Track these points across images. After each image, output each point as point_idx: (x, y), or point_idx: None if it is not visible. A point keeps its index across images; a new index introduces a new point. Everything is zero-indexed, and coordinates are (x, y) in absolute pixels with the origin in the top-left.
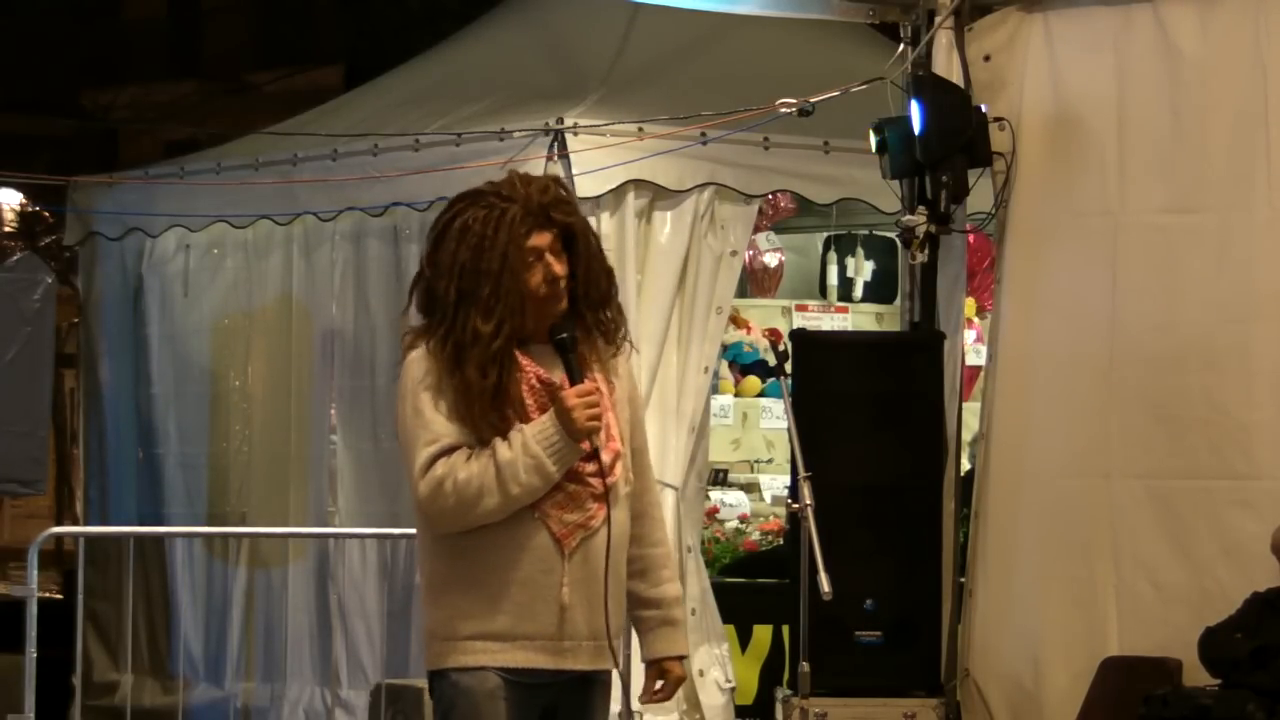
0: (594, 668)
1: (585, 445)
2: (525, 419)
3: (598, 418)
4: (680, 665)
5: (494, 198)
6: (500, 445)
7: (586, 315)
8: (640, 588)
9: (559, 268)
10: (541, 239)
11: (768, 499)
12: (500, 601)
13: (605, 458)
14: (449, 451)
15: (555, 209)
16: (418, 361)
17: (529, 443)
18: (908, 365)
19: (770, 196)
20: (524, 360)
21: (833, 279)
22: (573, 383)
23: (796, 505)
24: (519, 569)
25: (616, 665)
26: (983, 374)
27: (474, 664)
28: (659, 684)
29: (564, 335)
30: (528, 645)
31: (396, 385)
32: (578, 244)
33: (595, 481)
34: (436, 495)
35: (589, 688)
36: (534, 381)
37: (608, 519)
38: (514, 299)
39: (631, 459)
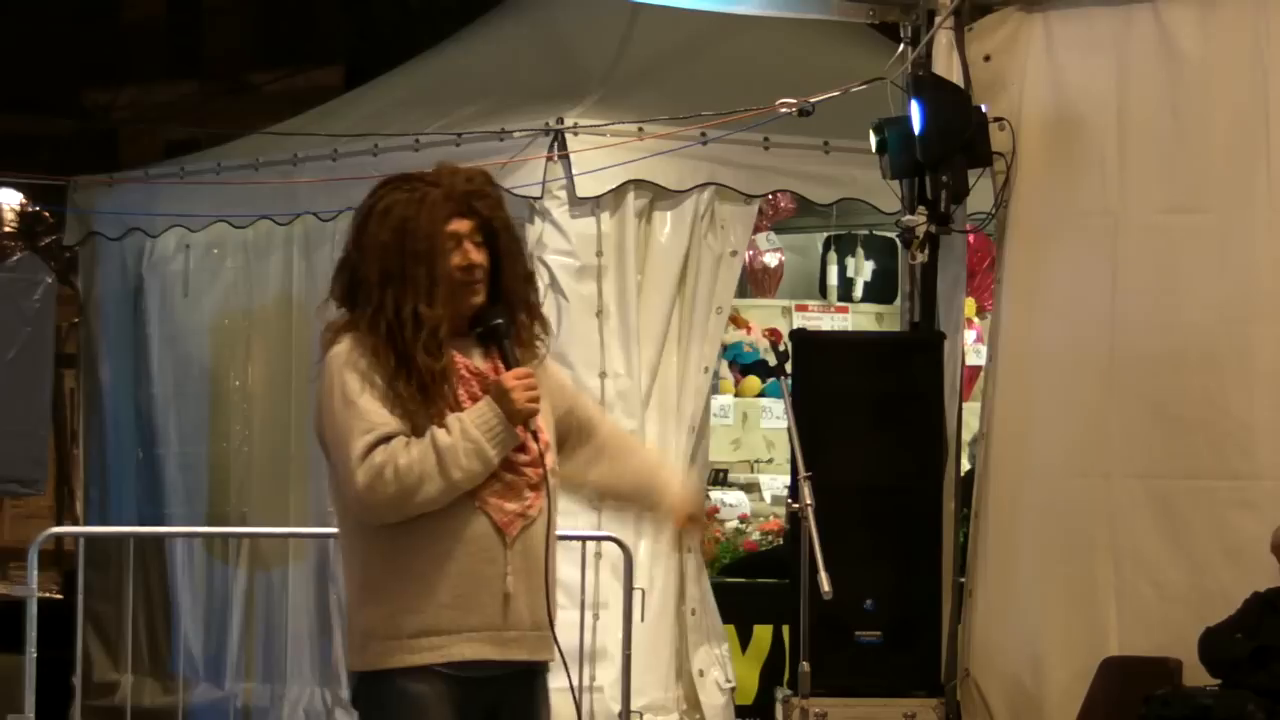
0: (537, 658)
1: (521, 431)
2: (456, 409)
3: (536, 400)
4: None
5: (417, 181)
6: (438, 431)
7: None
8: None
9: (477, 256)
10: (461, 225)
11: (768, 499)
12: (443, 594)
13: (538, 447)
14: (386, 439)
15: (477, 199)
16: (343, 354)
17: (468, 428)
18: (908, 365)
19: (770, 196)
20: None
21: (833, 279)
22: (507, 367)
23: (796, 505)
24: (461, 560)
25: (561, 654)
26: (983, 374)
27: (419, 663)
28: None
29: (498, 321)
30: (473, 637)
31: (318, 384)
32: (499, 240)
33: (530, 471)
34: (376, 483)
35: (531, 680)
36: (462, 372)
37: (547, 508)
38: (448, 283)
39: (575, 414)
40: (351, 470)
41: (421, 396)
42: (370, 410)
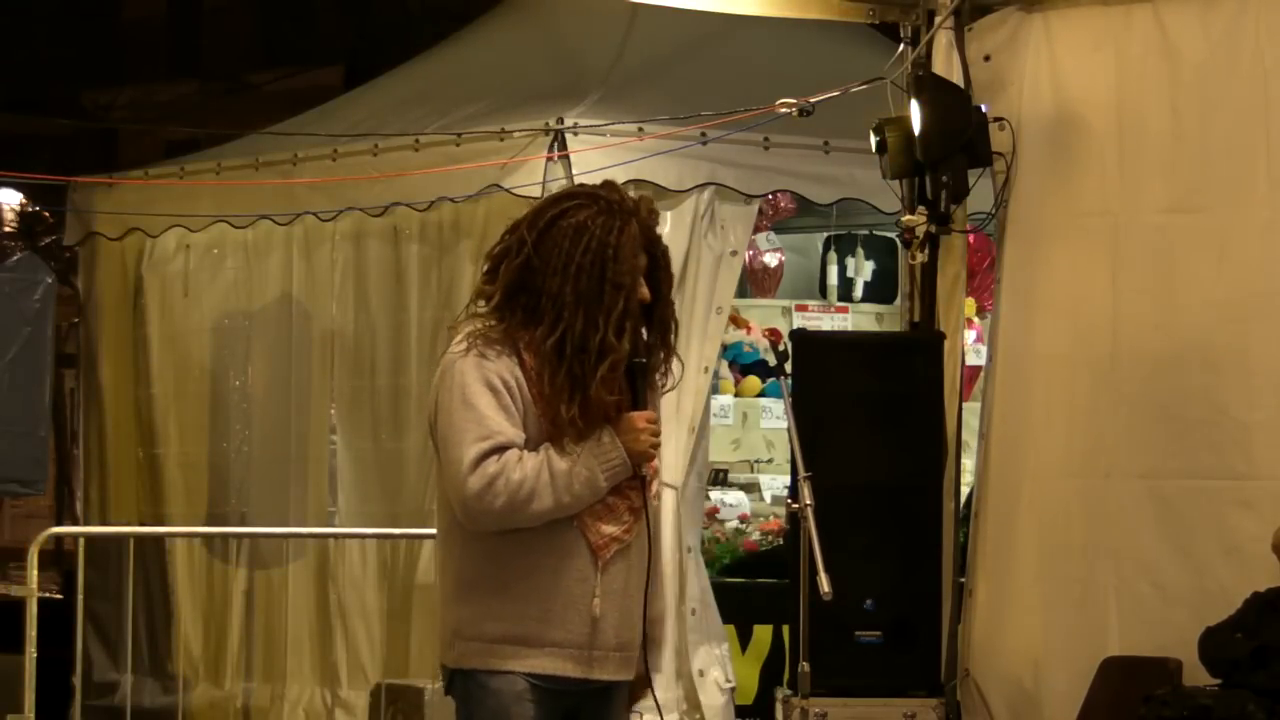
0: (620, 678)
1: (635, 468)
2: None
3: (658, 446)
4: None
5: (605, 202)
6: (553, 452)
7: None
8: None
9: (646, 293)
10: (643, 261)
11: (768, 499)
12: (531, 607)
13: (645, 473)
14: (501, 450)
15: (657, 239)
16: (477, 359)
17: (586, 456)
18: (908, 365)
19: (770, 196)
20: None
21: (833, 279)
22: (635, 406)
23: (796, 505)
24: (553, 576)
25: (648, 675)
26: (983, 374)
27: (501, 668)
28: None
29: (639, 359)
30: (557, 653)
31: (443, 370)
32: (659, 276)
33: (634, 495)
34: (486, 492)
35: (612, 694)
36: None
37: (648, 534)
38: (638, 319)
39: None
40: (463, 475)
41: (583, 423)
42: (490, 417)
